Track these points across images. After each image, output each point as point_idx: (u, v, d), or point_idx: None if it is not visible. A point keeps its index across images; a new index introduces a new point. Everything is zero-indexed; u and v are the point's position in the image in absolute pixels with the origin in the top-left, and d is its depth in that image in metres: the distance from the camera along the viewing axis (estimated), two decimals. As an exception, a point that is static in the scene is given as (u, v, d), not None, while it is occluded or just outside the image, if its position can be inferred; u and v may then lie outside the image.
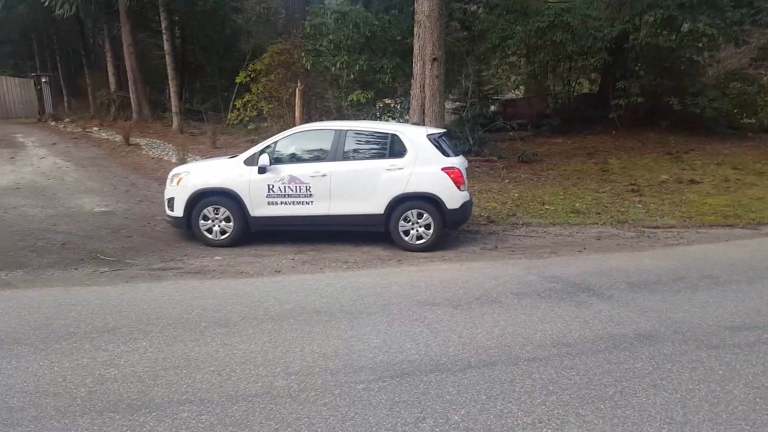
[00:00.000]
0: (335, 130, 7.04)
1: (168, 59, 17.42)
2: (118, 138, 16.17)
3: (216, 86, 20.76)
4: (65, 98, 26.21)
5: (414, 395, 3.15)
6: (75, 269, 5.90)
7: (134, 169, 12.41)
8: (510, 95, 19.84)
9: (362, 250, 6.90)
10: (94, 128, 19.13)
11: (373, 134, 7.15)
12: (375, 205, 6.84)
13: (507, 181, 11.47)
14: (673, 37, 14.13)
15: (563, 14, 12.69)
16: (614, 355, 3.75)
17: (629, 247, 7.16)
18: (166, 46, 17.36)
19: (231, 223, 6.92)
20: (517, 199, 10.03)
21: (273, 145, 6.98)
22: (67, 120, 22.42)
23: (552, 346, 3.87)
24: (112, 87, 21.26)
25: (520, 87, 19.44)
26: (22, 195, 9.59)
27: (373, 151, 7.06)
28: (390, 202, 6.79)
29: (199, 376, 3.34)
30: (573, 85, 18.04)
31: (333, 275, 5.81)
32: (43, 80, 25.08)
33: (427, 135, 7.02)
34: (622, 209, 9.32)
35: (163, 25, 17.37)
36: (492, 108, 16.03)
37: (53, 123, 22.68)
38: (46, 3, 17.34)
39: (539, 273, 5.80)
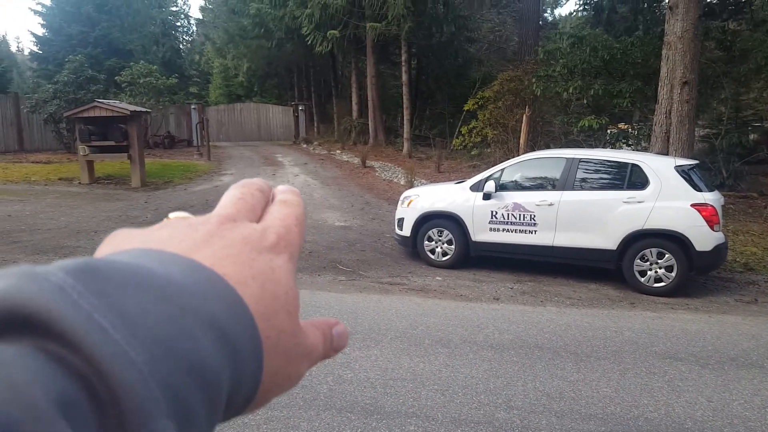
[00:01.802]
0: (567, 158, 6.78)
1: (404, 89, 18.82)
2: (356, 160, 17.96)
3: (444, 113, 21.73)
4: (315, 124, 30.14)
5: (651, 458, 2.83)
6: (318, 275, 6.67)
7: (368, 189, 13.62)
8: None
9: (588, 287, 6.49)
10: (337, 151, 21.58)
11: (609, 163, 6.71)
12: (606, 239, 6.38)
13: (770, 222, 9.71)
14: None
15: None
16: None
17: None
18: (404, 77, 18.79)
19: (453, 246, 7.12)
20: (784, 245, 8.42)
21: (500, 172, 7.02)
22: (315, 143, 25.71)
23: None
24: (354, 114, 23.72)
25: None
26: (280, 206, 11.22)
27: (608, 181, 6.62)
28: (625, 238, 6.27)
29: (424, 393, 3.48)
30: None
31: (555, 310, 5.57)
32: (300, 108, 29.24)
33: (675, 166, 6.32)
34: None
35: (403, 57, 18.85)
36: (752, 136, 13.81)
37: (305, 145, 26.21)
38: (309, 42, 20.18)
39: (817, 339, 4.76)
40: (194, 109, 27.27)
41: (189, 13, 52.94)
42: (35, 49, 36.32)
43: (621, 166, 6.56)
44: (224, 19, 29.79)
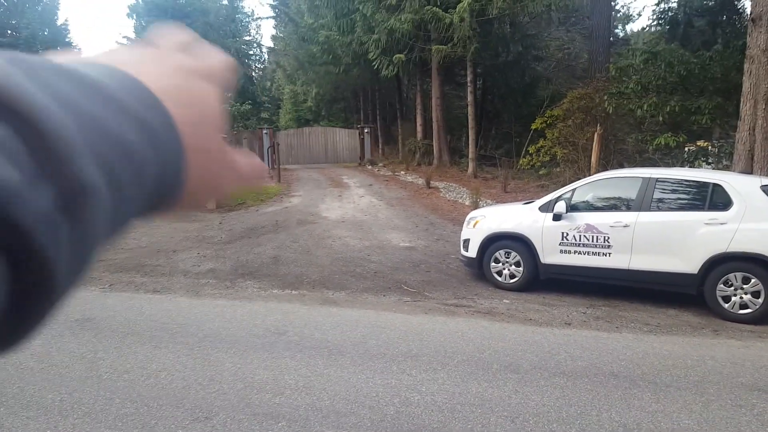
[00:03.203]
0: (642, 177, 6.49)
1: (470, 109, 18.76)
2: (421, 181, 18.00)
3: (510, 133, 21.47)
4: (380, 145, 30.55)
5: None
6: (384, 296, 6.68)
7: (433, 210, 13.58)
8: None
9: (667, 313, 6.13)
10: (402, 172, 21.72)
11: (688, 183, 6.37)
12: (686, 263, 6.03)
13: None
14: None
15: None
16: None
17: None
18: (469, 97, 18.76)
19: (521, 268, 6.95)
20: None
21: (571, 193, 6.82)
22: (380, 164, 26.02)
23: None
24: (419, 135, 23.87)
25: None
26: (346, 227, 11.39)
27: (688, 201, 6.27)
28: (706, 262, 5.89)
29: (493, 419, 3.39)
30: None
31: (632, 337, 5.29)
32: (365, 130, 29.75)
33: (762, 186, 5.92)
34: None
35: (468, 78, 18.84)
36: None
37: (370, 167, 26.57)
38: (375, 66, 20.59)
39: None
40: (266, 133, 28.32)
41: (261, 42, 55.29)
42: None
43: (701, 185, 6.21)
44: (294, 46, 30.95)
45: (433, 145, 21.79)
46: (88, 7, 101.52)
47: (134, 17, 39.84)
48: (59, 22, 36.40)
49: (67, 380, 3.99)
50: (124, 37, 41.06)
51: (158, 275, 7.55)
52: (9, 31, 28.23)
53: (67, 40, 37.10)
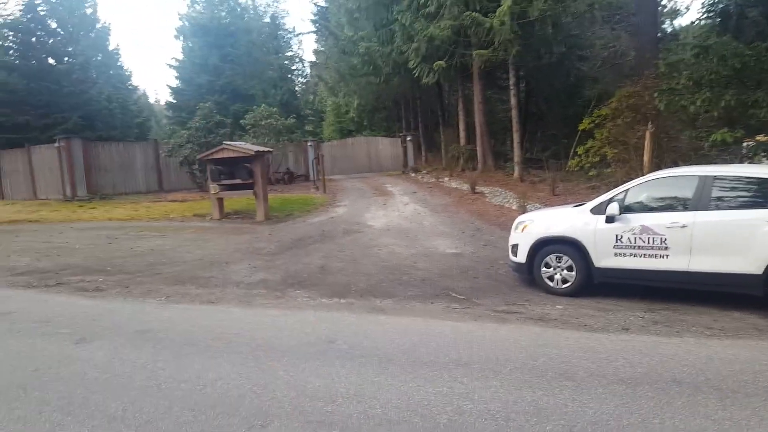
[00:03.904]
0: (699, 176, 6.21)
1: (513, 112, 18.53)
2: (465, 187, 17.86)
3: (556, 134, 21.05)
4: (423, 153, 30.56)
5: None
6: (431, 303, 6.63)
7: (479, 216, 13.44)
8: None
9: (731, 316, 5.83)
10: (445, 178, 21.62)
11: (748, 180, 6.05)
12: (750, 263, 5.72)
13: None
14: None
15: None
16: None
17: None
18: (513, 100, 18.53)
19: (573, 273, 6.77)
20: None
21: (624, 193, 6.60)
22: (424, 171, 25.99)
23: None
24: (462, 141, 23.73)
25: None
26: (392, 235, 11.41)
27: (748, 199, 5.95)
28: (772, 262, 5.59)
29: (549, 427, 3.30)
30: None
31: (694, 341, 5.05)
32: (408, 138, 29.84)
33: (829, 180, 5.58)
34: None
35: (511, 81, 18.62)
36: None
37: (413, 174, 26.58)
38: (416, 74, 20.63)
39: None
40: (310, 145, 28.81)
41: (303, 57, 56.43)
42: (170, 99, 40.74)
43: (763, 182, 5.89)
44: (335, 59, 31.41)
45: (476, 150, 21.61)
46: (137, 32, 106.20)
47: (181, 39, 41.40)
48: (111, 47, 38.30)
49: (129, 390, 4.13)
50: (172, 58, 42.70)
51: (212, 286, 7.76)
52: (66, 58, 29.81)
53: (118, 64, 38.95)
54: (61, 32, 30.57)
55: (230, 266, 9.08)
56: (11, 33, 28.52)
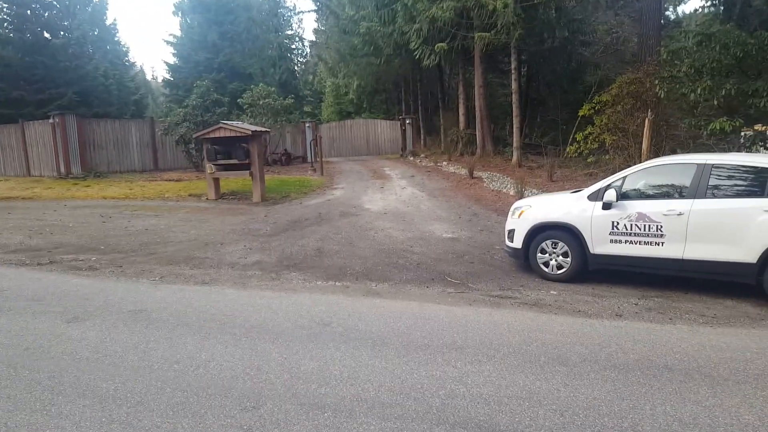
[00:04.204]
0: (697, 164, 6.18)
1: (513, 97, 18.39)
2: (463, 171, 17.80)
3: (556, 120, 20.94)
4: (422, 136, 30.41)
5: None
6: (427, 287, 6.63)
7: (476, 200, 13.41)
8: None
9: (724, 304, 5.84)
10: (444, 162, 21.54)
11: (745, 168, 6.01)
12: (744, 252, 5.72)
13: None
14: None
15: None
16: None
17: None
18: (513, 84, 18.38)
19: (568, 259, 6.76)
20: None
21: (621, 180, 6.56)
22: (422, 155, 25.89)
23: None
24: (461, 125, 23.60)
25: None
26: (388, 219, 11.38)
27: (746, 188, 5.93)
28: (766, 251, 5.58)
29: (541, 412, 3.30)
30: None
31: (686, 329, 5.06)
32: (407, 121, 29.65)
33: (827, 170, 5.55)
34: None
35: (512, 65, 18.46)
36: None
37: (411, 158, 26.48)
38: (417, 56, 20.43)
39: None
40: (308, 127, 28.62)
41: (303, 36, 55.85)
42: (167, 76, 40.32)
43: (760, 171, 5.85)
44: (336, 39, 31.06)
45: (476, 135, 21.50)
46: (135, 7, 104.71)
47: (180, 15, 40.82)
48: (108, 22, 37.81)
49: (121, 370, 4.12)
50: (170, 34, 42.13)
51: (206, 267, 7.74)
52: (61, 32, 29.39)
53: (115, 39, 38.47)
54: (57, 5, 30.09)
55: (225, 247, 9.05)
56: (5, 5, 28.04)
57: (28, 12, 28.10)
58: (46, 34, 28.79)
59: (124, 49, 40.09)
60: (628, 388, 3.67)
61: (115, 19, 50.27)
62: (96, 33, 35.57)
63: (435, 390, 3.63)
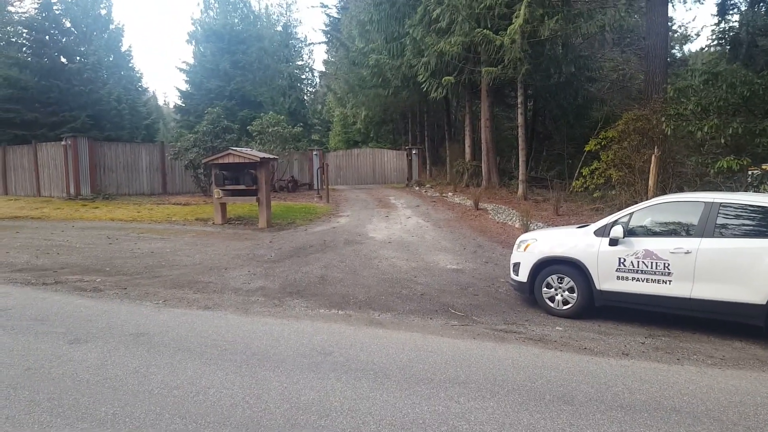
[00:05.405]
0: (705, 202, 6.17)
1: (519, 130, 18.52)
2: (469, 203, 17.82)
3: (562, 154, 21.03)
4: (428, 167, 30.57)
5: None
6: (430, 318, 6.57)
7: (481, 232, 13.38)
8: None
9: (732, 345, 5.75)
10: (449, 193, 21.59)
11: (754, 208, 5.99)
12: (752, 293, 5.65)
13: None
14: None
15: None
16: None
17: None
18: (520, 118, 18.52)
19: (574, 294, 6.71)
20: None
21: (628, 216, 6.55)
22: (428, 185, 25.97)
23: None
24: (467, 157, 23.72)
25: None
26: (393, 248, 11.35)
27: (753, 228, 5.90)
28: (775, 292, 5.52)
29: (545, 453, 3.23)
30: None
31: (695, 370, 4.98)
32: (413, 152, 29.87)
33: (836, 212, 5.52)
34: None
35: (519, 99, 18.64)
36: None
37: (417, 188, 26.56)
38: (424, 89, 20.70)
39: None
40: (316, 155, 28.85)
41: (313, 67, 56.77)
42: (179, 102, 40.90)
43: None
44: (345, 70, 31.54)
45: (481, 167, 21.59)
46: (150, 35, 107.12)
47: (193, 43, 41.72)
48: (123, 49, 38.60)
49: (120, 393, 4.08)
50: (183, 62, 42.99)
51: (210, 292, 7.71)
52: (78, 58, 30.00)
53: (130, 65, 39.22)
54: (75, 32, 30.81)
55: (229, 272, 9.03)
56: (25, 30, 28.74)
57: (47, 37, 28.75)
58: (63, 59, 29.40)
59: (137, 74, 40.82)
60: (635, 430, 3.59)
61: (130, 46, 51.21)
62: (111, 59, 36.30)
63: (437, 426, 3.56)
